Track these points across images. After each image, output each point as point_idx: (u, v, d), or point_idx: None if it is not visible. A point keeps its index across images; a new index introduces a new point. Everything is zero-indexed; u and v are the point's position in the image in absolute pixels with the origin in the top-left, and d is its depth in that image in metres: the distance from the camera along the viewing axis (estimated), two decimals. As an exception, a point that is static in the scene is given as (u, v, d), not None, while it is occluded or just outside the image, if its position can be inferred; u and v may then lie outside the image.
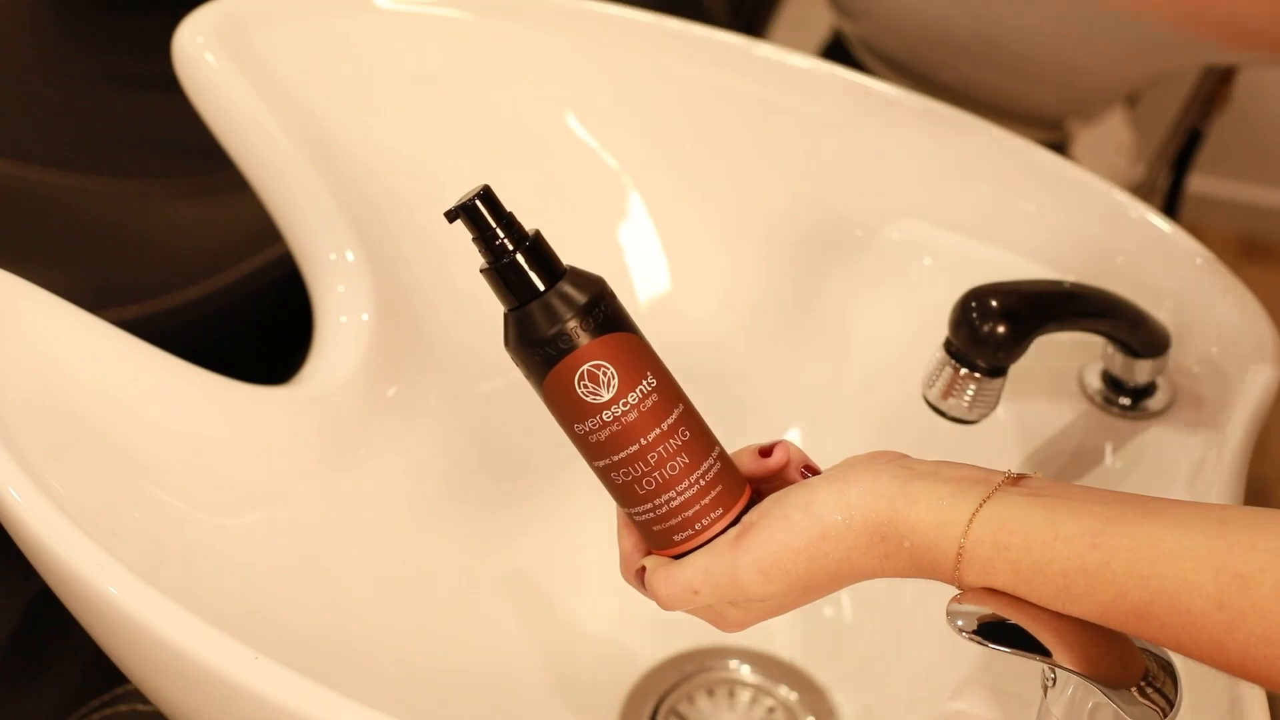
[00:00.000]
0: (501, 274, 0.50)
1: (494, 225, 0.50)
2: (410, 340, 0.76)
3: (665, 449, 0.50)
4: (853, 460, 0.51)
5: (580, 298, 0.50)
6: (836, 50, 1.32)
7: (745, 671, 0.76)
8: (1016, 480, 0.49)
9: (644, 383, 0.50)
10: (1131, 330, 0.67)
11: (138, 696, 0.73)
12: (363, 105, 0.80)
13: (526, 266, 0.50)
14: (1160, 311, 0.69)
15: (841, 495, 0.49)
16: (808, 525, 0.49)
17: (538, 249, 0.50)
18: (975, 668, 0.63)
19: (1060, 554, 0.46)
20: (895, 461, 0.51)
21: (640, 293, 0.82)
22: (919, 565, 0.49)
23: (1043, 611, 0.47)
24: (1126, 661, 0.47)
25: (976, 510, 0.48)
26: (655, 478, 0.50)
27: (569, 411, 0.50)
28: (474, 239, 0.50)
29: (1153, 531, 0.46)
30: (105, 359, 0.62)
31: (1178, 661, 0.48)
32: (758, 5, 1.30)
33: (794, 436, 0.81)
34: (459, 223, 0.50)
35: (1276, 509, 0.46)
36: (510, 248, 0.50)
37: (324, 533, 0.69)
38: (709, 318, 0.83)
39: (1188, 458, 0.68)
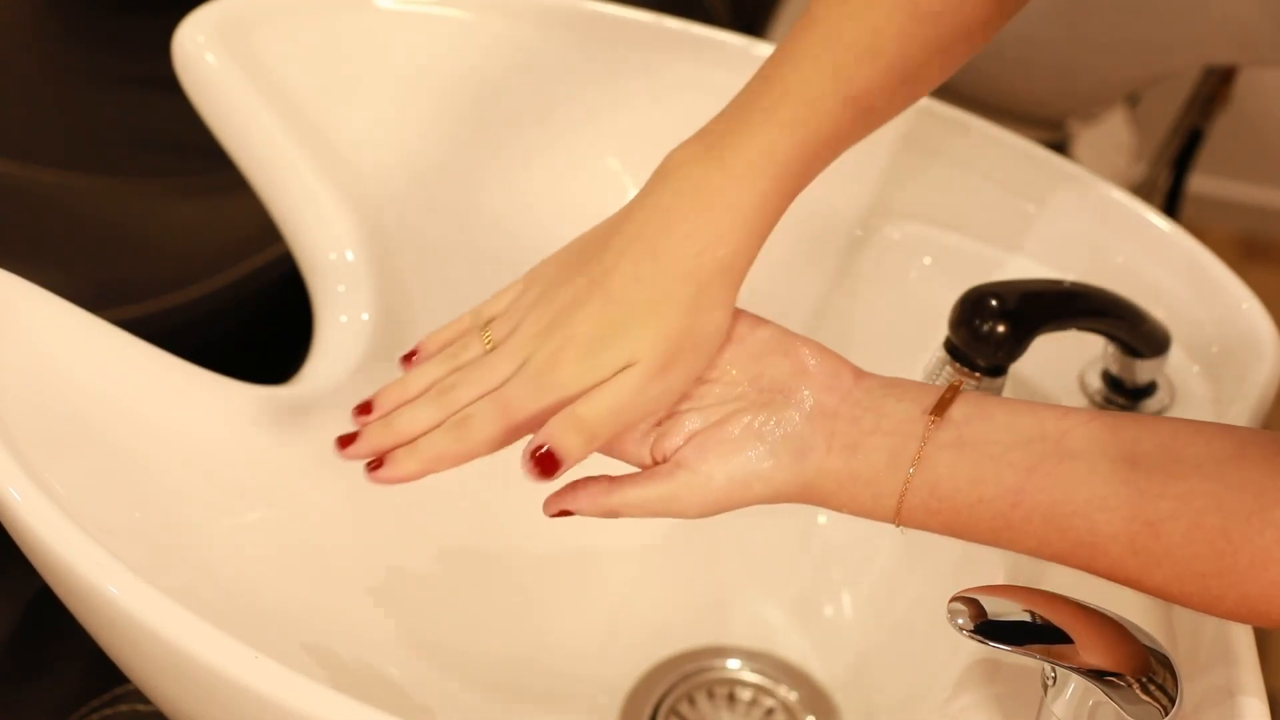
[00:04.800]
0: None
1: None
2: (410, 340, 0.76)
3: None
4: (786, 426, 0.53)
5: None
6: (836, 50, 1.32)
7: (745, 672, 0.76)
8: (942, 413, 0.52)
9: None
10: (1131, 330, 0.67)
11: (138, 696, 0.73)
12: (363, 105, 0.80)
13: None
14: (1160, 311, 0.69)
15: (770, 484, 0.52)
16: (747, 498, 0.53)
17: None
18: (975, 667, 0.63)
19: (985, 515, 0.50)
20: (826, 423, 0.53)
21: (640, 292, 0.82)
22: (858, 514, 0.53)
23: (1052, 604, 0.48)
24: (1128, 658, 0.48)
25: (906, 486, 0.51)
26: None
27: None
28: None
29: (1069, 482, 0.49)
30: (105, 359, 0.62)
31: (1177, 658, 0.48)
32: (758, 5, 1.30)
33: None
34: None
35: (1181, 427, 0.49)
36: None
37: (324, 533, 0.69)
38: (709, 317, 0.83)
39: (1188, 457, 0.67)
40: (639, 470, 0.53)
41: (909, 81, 0.57)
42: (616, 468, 0.54)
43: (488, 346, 0.54)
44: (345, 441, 0.54)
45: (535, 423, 0.52)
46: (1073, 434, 0.50)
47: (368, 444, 0.53)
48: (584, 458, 0.52)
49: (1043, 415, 0.51)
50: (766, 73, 0.56)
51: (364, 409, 0.55)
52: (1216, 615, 0.48)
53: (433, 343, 0.57)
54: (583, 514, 0.53)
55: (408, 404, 0.54)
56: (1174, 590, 0.47)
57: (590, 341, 0.52)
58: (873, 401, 0.53)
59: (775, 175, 0.53)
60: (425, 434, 0.53)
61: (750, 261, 0.54)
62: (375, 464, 0.53)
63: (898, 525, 0.52)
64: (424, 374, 0.55)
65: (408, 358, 0.57)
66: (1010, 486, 0.49)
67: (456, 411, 0.53)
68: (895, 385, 0.54)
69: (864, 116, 0.56)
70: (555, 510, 0.53)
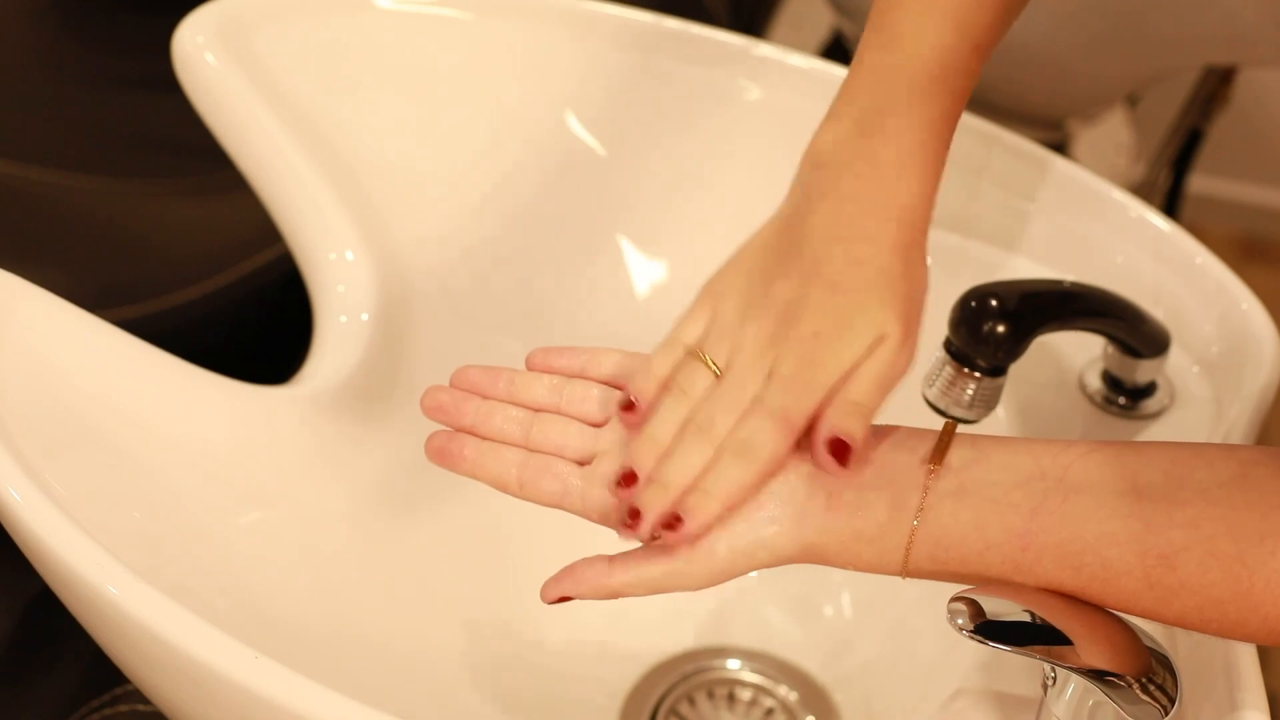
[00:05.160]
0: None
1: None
2: (410, 340, 0.76)
3: None
4: (785, 488, 0.51)
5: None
6: (836, 50, 1.32)
7: (745, 672, 0.76)
8: (940, 462, 0.51)
9: None
10: (1131, 330, 0.67)
11: (138, 696, 0.73)
12: (363, 105, 0.80)
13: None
14: (1160, 311, 0.69)
15: (773, 551, 0.51)
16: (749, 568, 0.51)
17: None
18: (975, 667, 0.63)
19: (994, 560, 0.49)
20: (825, 481, 0.51)
21: (640, 293, 0.82)
22: (863, 570, 0.52)
23: (1052, 604, 0.48)
24: (1129, 658, 0.47)
25: (910, 540, 0.50)
26: None
27: None
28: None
29: (1076, 519, 0.48)
30: (105, 359, 0.62)
31: (1176, 657, 0.48)
32: (758, 5, 1.30)
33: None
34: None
35: (1180, 452, 0.48)
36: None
37: (324, 532, 0.69)
38: (709, 318, 0.83)
39: (1188, 457, 0.67)
40: (638, 547, 0.51)
41: (1004, 24, 0.59)
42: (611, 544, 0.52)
43: (718, 372, 0.52)
44: (632, 523, 0.49)
45: (810, 423, 0.51)
46: (1074, 469, 0.49)
47: (655, 512, 0.49)
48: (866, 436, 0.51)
49: (1040, 452, 0.50)
50: (887, 35, 0.57)
51: (626, 480, 0.51)
52: (1239, 639, 0.47)
53: (645, 387, 0.53)
54: (583, 598, 0.51)
55: (667, 456, 0.51)
56: (1194, 620, 0.47)
57: (835, 329, 0.51)
58: (854, 494, 0.51)
59: (935, 134, 0.55)
60: (705, 474, 0.50)
61: (930, 218, 0.55)
62: (671, 524, 0.49)
63: (905, 578, 0.51)
64: (666, 419, 0.52)
65: (628, 407, 0.53)
66: (1016, 530, 0.48)
67: (724, 442, 0.50)
68: (890, 433, 0.53)
69: (982, 63, 0.58)
70: (555, 596, 0.51)
